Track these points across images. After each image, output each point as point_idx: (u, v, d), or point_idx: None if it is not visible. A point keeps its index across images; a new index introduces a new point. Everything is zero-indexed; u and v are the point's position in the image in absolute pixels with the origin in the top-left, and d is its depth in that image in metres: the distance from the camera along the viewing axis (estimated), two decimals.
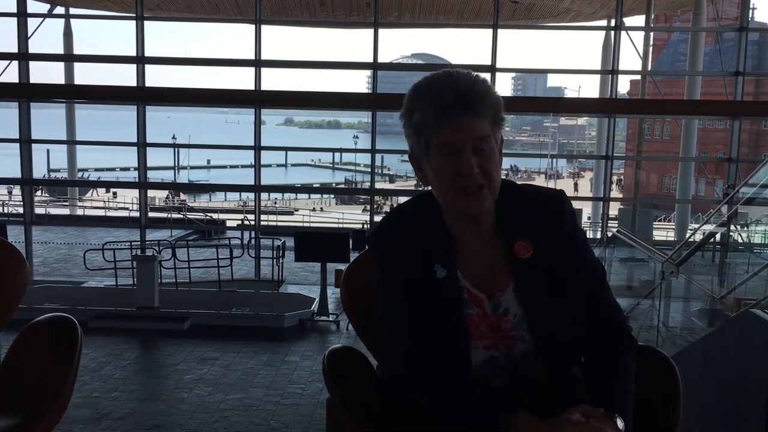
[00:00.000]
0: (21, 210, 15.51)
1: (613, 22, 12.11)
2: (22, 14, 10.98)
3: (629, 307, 6.24)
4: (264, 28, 11.24)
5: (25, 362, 1.97)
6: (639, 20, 13.96)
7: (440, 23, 15.79)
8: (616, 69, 11.40)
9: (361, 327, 1.76)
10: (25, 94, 9.90)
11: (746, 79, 11.74)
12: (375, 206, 13.76)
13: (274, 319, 6.67)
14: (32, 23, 11.37)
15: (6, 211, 22.72)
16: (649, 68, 14.56)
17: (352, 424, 1.51)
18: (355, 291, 1.78)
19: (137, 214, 13.89)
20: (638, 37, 12.51)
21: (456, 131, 1.34)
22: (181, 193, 30.93)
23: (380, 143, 12.01)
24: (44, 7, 13.57)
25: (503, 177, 1.44)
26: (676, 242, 11.48)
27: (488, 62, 10.72)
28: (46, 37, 14.01)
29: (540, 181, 45.22)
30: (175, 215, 19.57)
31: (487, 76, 1.41)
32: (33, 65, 11.15)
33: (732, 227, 7.07)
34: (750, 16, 12.56)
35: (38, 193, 27.44)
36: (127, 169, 40.84)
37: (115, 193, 30.43)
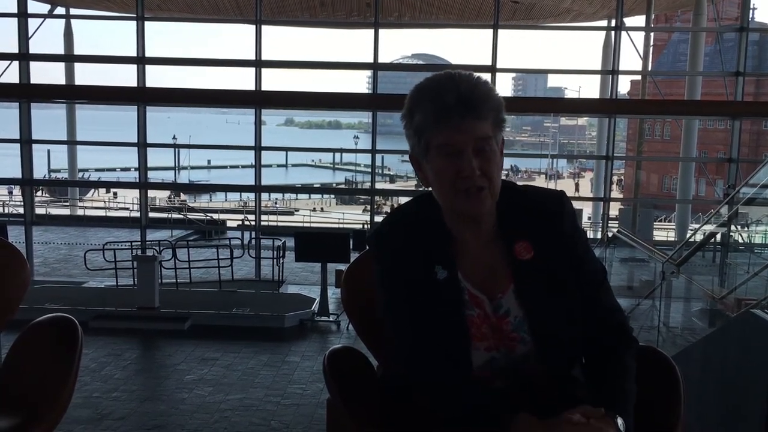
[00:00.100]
0: (21, 210, 15.52)
1: (613, 23, 12.10)
2: (22, 14, 10.98)
3: (630, 308, 6.23)
4: (264, 28, 11.24)
5: (25, 362, 1.97)
6: (639, 20, 13.96)
7: (441, 23, 15.78)
8: (617, 69, 11.40)
9: (362, 327, 1.76)
10: (25, 94, 9.90)
11: (746, 80, 11.74)
12: (375, 206, 13.75)
13: (275, 320, 6.67)
14: (33, 23, 11.39)
15: (6, 211, 22.72)
16: (650, 68, 14.55)
17: (353, 425, 1.51)
18: (355, 291, 1.78)
19: (138, 215, 13.90)
20: (638, 37, 12.51)
21: (457, 133, 1.34)
22: (181, 194, 30.92)
23: (381, 143, 12.00)
24: (45, 8, 13.58)
25: (503, 178, 1.44)
26: (677, 242, 11.48)
27: (488, 62, 10.72)
28: (47, 37, 14.02)
29: (540, 182, 45.23)
30: (175, 215, 19.58)
31: (487, 76, 1.41)
32: (33, 65, 11.16)
33: (732, 227, 7.06)
34: (750, 16, 12.55)
35: (39, 193, 27.45)
36: (127, 169, 40.87)
37: (115, 194, 30.43)
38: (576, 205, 1.83)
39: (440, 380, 1.37)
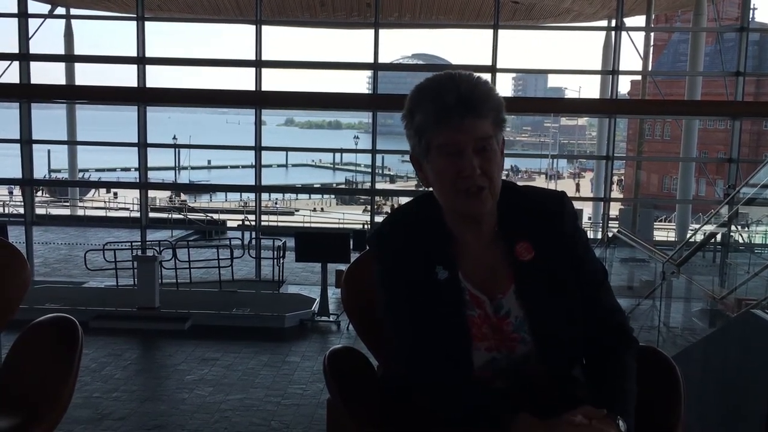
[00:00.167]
0: (22, 210, 15.54)
1: (613, 23, 12.11)
2: (22, 15, 10.99)
3: (630, 308, 6.23)
4: (264, 28, 11.25)
5: (25, 362, 1.97)
6: (639, 20, 13.96)
7: (441, 23, 15.78)
8: (617, 69, 11.40)
9: (362, 327, 1.76)
10: (25, 94, 9.89)
11: (747, 80, 11.74)
12: (375, 207, 13.75)
13: (275, 320, 6.67)
14: (33, 24, 11.40)
15: (7, 211, 22.72)
16: (650, 68, 14.55)
17: (353, 425, 1.51)
18: (355, 291, 1.78)
19: (138, 215, 13.90)
20: (639, 37, 12.51)
21: (457, 132, 1.34)
22: (181, 194, 30.93)
23: (381, 144, 12.00)
24: (45, 8, 13.59)
25: (504, 178, 1.44)
26: (677, 242, 11.48)
27: (489, 62, 10.72)
28: (47, 37, 14.02)
29: (540, 182, 45.24)
30: (175, 215, 19.58)
31: (487, 76, 1.41)
32: (34, 66, 11.16)
33: (733, 227, 7.06)
34: (750, 16, 12.56)
35: (39, 193, 27.44)
36: (127, 169, 40.88)
37: (115, 194, 30.43)
38: (576, 205, 1.83)
39: (441, 380, 1.37)
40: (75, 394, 1.95)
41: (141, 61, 10.86)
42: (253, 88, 10.69)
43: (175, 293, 8.03)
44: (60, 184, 27.13)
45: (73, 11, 14.71)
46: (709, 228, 7.09)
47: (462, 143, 1.34)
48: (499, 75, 10.84)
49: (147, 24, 11.20)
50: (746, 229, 8.01)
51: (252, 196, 16.51)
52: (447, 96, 1.33)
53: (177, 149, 36.48)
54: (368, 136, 14.98)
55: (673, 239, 14.98)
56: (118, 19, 15.26)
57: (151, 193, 22.88)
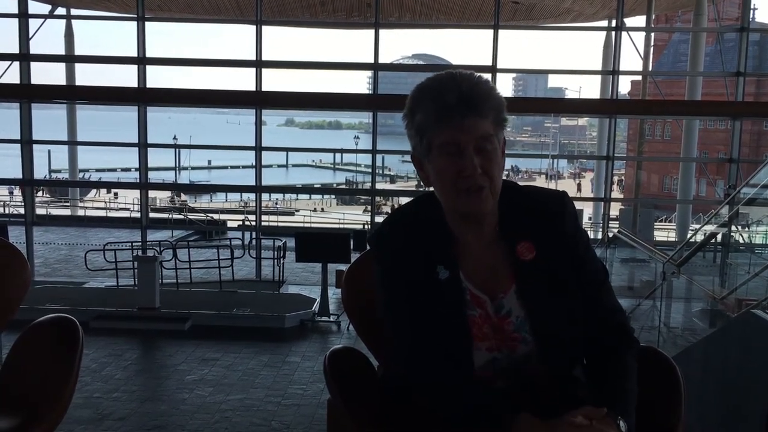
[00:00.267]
0: (22, 210, 15.54)
1: (614, 23, 12.11)
2: (23, 15, 10.99)
3: (630, 308, 6.23)
4: (265, 28, 11.25)
5: (26, 363, 1.97)
6: (640, 21, 13.96)
7: (441, 24, 15.78)
8: (617, 69, 11.40)
9: (362, 328, 1.76)
10: (26, 94, 9.90)
11: (747, 80, 11.74)
12: (375, 207, 13.75)
13: (275, 320, 6.68)
14: (33, 24, 11.40)
15: (7, 211, 22.73)
16: (650, 69, 14.55)
17: (353, 425, 1.51)
18: (356, 292, 1.78)
19: (138, 215, 13.90)
20: (639, 37, 12.51)
21: (458, 131, 1.34)
22: (182, 194, 30.93)
23: (381, 144, 12.01)
24: (45, 8, 13.59)
25: (504, 178, 1.43)
26: (677, 243, 11.48)
27: (489, 63, 10.72)
28: (47, 37, 14.03)
29: (541, 182, 45.24)
30: (176, 216, 19.58)
31: (487, 76, 1.41)
32: (34, 66, 11.17)
33: (733, 228, 7.06)
34: (751, 16, 12.56)
35: (39, 193, 27.44)
36: (128, 169, 40.86)
37: (116, 194, 30.43)
38: (577, 205, 1.83)
39: (441, 380, 1.37)
40: (75, 395, 1.95)
41: (141, 61, 10.86)
42: (254, 89, 10.69)
43: (175, 293, 8.03)
44: (60, 184, 27.14)
45: (74, 11, 14.72)
46: (710, 228, 7.10)
47: (463, 142, 1.34)
48: (499, 75, 10.85)
49: (147, 24, 11.20)
50: (746, 229, 8.01)
51: (252, 196, 16.50)
52: (448, 95, 1.33)
53: (177, 149, 36.48)
54: (368, 137, 14.99)
55: (673, 239, 14.98)
56: (119, 20, 15.26)
57: (152, 194, 22.87)
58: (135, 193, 20.07)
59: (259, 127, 11.06)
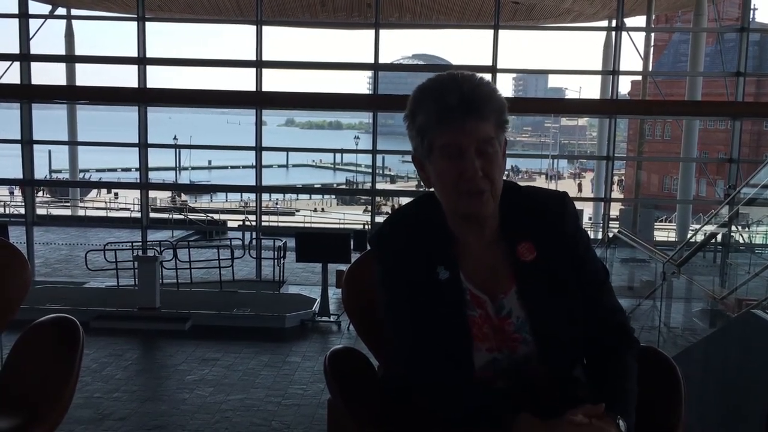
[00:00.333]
0: (23, 211, 15.53)
1: (614, 23, 12.10)
2: (23, 15, 10.99)
3: (630, 308, 6.23)
4: (265, 28, 11.25)
5: (26, 363, 1.97)
6: (640, 21, 13.95)
7: (441, 24, 15.77)
8: (617, 69, 11.40)
9: (362, 328, 1.76)
10: (26, 95, 9.91)
11: (747, 80, 11.74)
12: (376, 207, 13.75)
13: (276, 320, 6.68)
14: (34, 24, 11.39)
15: (8, 211, 22.73)
16: (650, 69, 14.55)
17: (354, 425, 1.51)
18: (356, 292, 1.78)
19: (138, 215, 13.90)
20: (639, 37, 12.50)
21: (459, 134, 1.33)
22: (182, 194, 30.95)
23: (381, 144, 12.01)
24: (45, 8, 13.59)
25: (504, 178, 1.43)
26: (677, 243, 11.48)
27: (489, 63, 10.72)
28: (48, 38, 14.02)
29: (541, 182, 45.23)
30: (176, 216, 19.58)
31: (488, 76, 1.41)
32: (34, 66, 11.16)
33: (733, 228, 7.07)
34: (751, 16, 12.56)
35: (40, 193, 27.44)
36: (128, 169, 40.88)
37: (116, 194, 30.43)
38: (577, 205, 1.83)
39: (441, 381, 1.37)
40: (76, 395, 1.95)
41: (141, 61, 10.86)
42: (254, 89, 10.69)
43: (175, 293, 8.03)
44: (61, 184, 27.14)
45: (74, 12, 14.71)
46: (710, 228, 7.10)
47: (464, 145, 1.34)
48: (499, 75, 10.85)
49: (147, 24, 11.20)
50: (747, 229, 8.01)
51: (252, 196, 16.51)
52: (449, 96, 1.33)
53: (177, 149, 36.47)
54: (369, 137, 14.99)
55: (673, 239, 14.98)
56: (119, 20, 15.25)
57: (152, 194, 22.87)
58: (135, 193, 20.06)
59: (259, 127, 11.06)
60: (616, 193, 34.51)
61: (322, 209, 34.23)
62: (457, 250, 1.43)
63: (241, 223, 18.53)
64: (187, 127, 50.77)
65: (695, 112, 11.08)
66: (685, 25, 28.36)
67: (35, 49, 11.23)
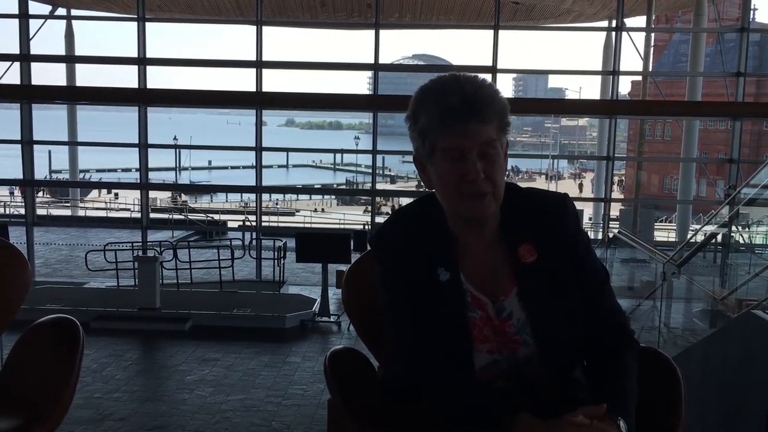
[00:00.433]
0: (23, 211, 15.53)
1: (614, 23, 12.10)
2: (23, 15, 10.99)
3: (630, 308, 6.23)
4: (265, 29, 11.25)
5: (27, 363, 1.97)
6: (640, 21, 13.96)
7: (441, 24, 15.77)
8: (617, 70, 11.39)
9: (363, 328, 1.76)
10: (26, 95, 9.91)
11: (747, 80, 11.74)
12: (376, 207, 13.75)
13: (276, 320, 6.68)
14: (34, 24, 11.39)
15: (8, 212, 22.73)
16: (650, 69, 14.55)
17: (354, 425, 1.51)
18: (356, 292, 1.78)
19: (139, 215, 13.91)
20: (639, 37, 12.50)
21: (462, 136, 1.33)
22: (182, 194, 30.96)
23: (381, 144, 12.00)
24: (45, 9, 13.59)
25: (505, 179, 1.43)
26: (678, 243, 11.48)
27: (489, 63, 10.72)
28: (48, 38, 14.02)
29: (541, 182, 45.23)
30: (176, 216, 19.58)
31: (488, 76, 1.41)
32: (34, 66, 11.16)
33: (733, 228, 7.07)
34: (751, 16, 12.56)
35: (40, 194, 27.45)
36: (128, 170, 40.88)
37: (116, 194, 30.44)
38: (577, 205, 1.84)
39: (441, 381, 1.37)
40: (76, 395, 1.95)
41: (142, 61, 10.86)
42: (254, 89, 10.69)
43: (175, 294, 8.03)
44: (61, 184, 27.13)
45: (74, 12, 14.71)
46: (710, 228, 7.10)
47: (466, 148, 1.33)
48: (499, 75, 10.84)
49: (147, 24, 11.20)
50: (747, 229, 8.01)
51: (253, 196, 16.50)
52: (451, 97, 1.33)
53: (178, 150, 36.48)
54: (369, 137, 14.99)
55: (673, 240, 14.98)
56: (119, 20, 15.24)
57: (152, 194, 22.89)
58: (135, 194, 20.06)
59: (259, 128, 11.06)
60: (616, 194, 34.51)
61: (323, 209, 34.22)
62: (457, 251, 1.43)
63: (241, 223, 18.54)
64: (187, 128, 50.79)
65: (695, 112, 11.09)
66: (685, 26, 28.37)
67: (35, 49, 11.23)
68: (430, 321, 1.39)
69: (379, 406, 1.53)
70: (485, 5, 13.22)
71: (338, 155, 61.16)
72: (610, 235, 8.97)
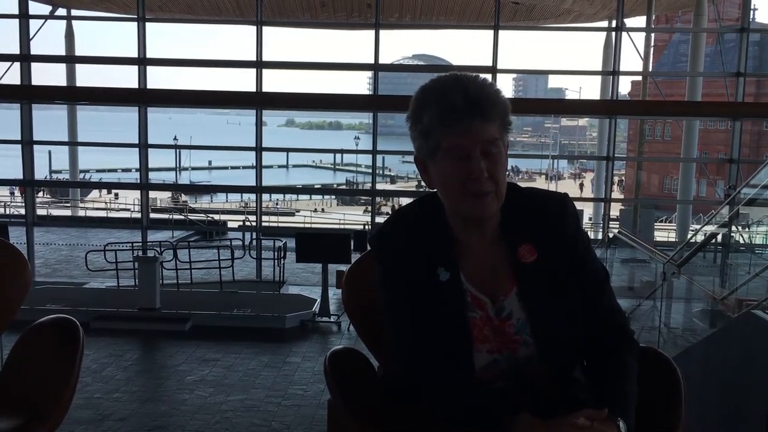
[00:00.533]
0: (23, 211, 15.53)
1: (614, 23, 12.11)
2: (23, 16, 11.00)
3: (630, 308, 6.23)
4: (265, 29, 11.26)
5: (27, 363, 1.97)
6: (640, 21, 13.97)
7: (441, 24, 15.78)
8: (617, 70, 11.40)
9: (363, 328, 1.76)
10: (26, 95, 9.90)
11: (747, 80, 11.75)
12: (376, 207, 13.75)
13: (276, 320, 6.67)
14: (34, 25, 11.40)
15: (8, 212, 22.73)
16: (650, 69, 14.55)
17: (354, 425, 1.51)
18: (356, 292, 1.78)
19: (139, 215, 13.91)
20: (639, 37, 12.51)
21: (465, 135, 1.33)
22: (182, 194, 30.97)
23: (381, 144, 12.01)
24: (46, 9, 13.60)
25: None
26: (678, 243, 11.48)
27: (489, 63, 10.73)
28: (48, 38, 14.02)
29: (541, 182, 45.23)
30: (176, 216, 19.59)
31: (488, 77, 1.41)
32: (35, 66, 11.17)
33: (733, 228, 7.07)
34: (751, 17, 12.57)
35: (40, 194, 27.45)
36: (128, 170, 40.88)
37: (116, 195, 30.44)
38: (577, 205, 1.84)
39: (441, 381, 1.37)
40: (76, 395, 1.95)
41: (142, 62, 10.86)
42: (254, 89, 10.69)
43: (175, 294, 8.03)
44: (61, 184, 27.14)
45: (74, 12, 14.72)
46: (710, 228, 7.10)
47: (470, 146, 1.34)
48: (499, 76, 10.86)
49: (147, 25, 11.21)
50: (747, 229, 8.02)
51: (253, 196, 16.52)
52: (454, 97, 1.33)
53: (178, 150, 36.48)
54: (369, 137, 15.00)
55: (673, 240, 14.98)
56: (119, 20, 15.25)
57: (152, 194, 22.88)
58: (135, 194, 20.07)
59: (259, 128, 11.06)
60: (616, 194, 34.50)
61: (323, 210, 34.22)
62: (457, 251, 1.43)
63: (241, 223, 18.54)
64: (187, 128, 50.78)
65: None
66: (685, 26, 28.37)
67: (35, 49, 11.25)
68: (430, 321, 1.39)
69: (379, 406, 1.53)
70: (485, 5, 13.23)
71: (338, 155, 61.18)
72: (610, 235, 8.98)
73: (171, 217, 19.35)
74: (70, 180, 18.02)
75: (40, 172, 21.09)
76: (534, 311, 1.41)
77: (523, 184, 1.55)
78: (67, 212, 22.50)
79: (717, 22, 14.55)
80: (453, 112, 1.33)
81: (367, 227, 13.97)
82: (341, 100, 8.32)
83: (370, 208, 13.89)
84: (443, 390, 1.37)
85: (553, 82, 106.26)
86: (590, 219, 16.83)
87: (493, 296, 1.42)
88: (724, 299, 6.17)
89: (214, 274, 9.77)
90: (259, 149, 11.10)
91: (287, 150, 39.70)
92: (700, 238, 6.82)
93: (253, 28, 11.03)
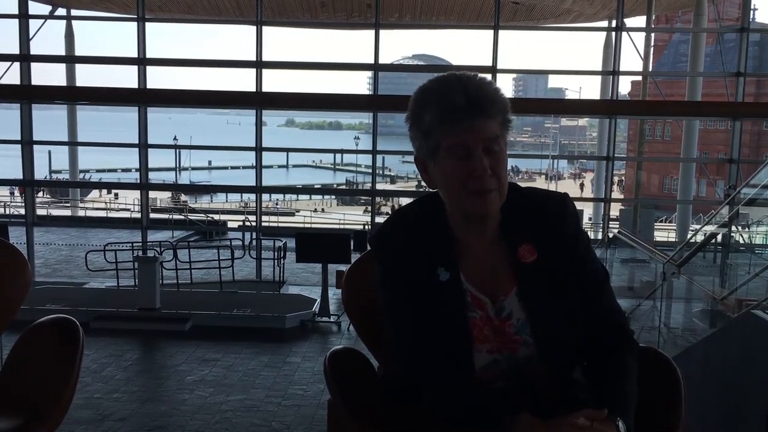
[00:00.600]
0: (23, 211, 15.53)
1: (614, 23, 12.11)
2: (23, 16, 11.00)
3: (630, 308, 6.23)
4: (265, 29, 11.26)
5: (27, 363, 1.97)
6: (640, 21, 13.96)
7: (441, 24, 15.78)
8: (617, 70, 11.40)
9: (362, 328, 1.76)
10: (26, 95, 9.90)
11: (747, 80, 11.75)
12: (376, 207, 13.75)
13: (276, 320, 6.67)
14: (34, 25, 11.40)
15: (8, 212, 22.73)
16: (650, 69, 14.55)
17: (354, 425, 1.51)
18: (356, 292, 1.78)
19: (139, 215, 13.91)
20: (639, 37, 12.51)
21: (467, 133, 1.33)
22: (182, 194, 30.97)
23: (381, 144, 12.01)
24: (45, 9, 13.60)
25: None
26: (678, 243, 11.48)
27: (489, 63, 10.73)
28: (48, 38, 14.02)
29: (541, 182, 45.23)
30: (176, 216, 19.59)
31: (488, 77, 1.41)
32: (34, 66, 11.17)
33: (733, 228, 7.07)
34: (751, 16, 12.57)
35: (40, 194, 27.44)
36: (128, 170, 40.88)
37: (116, 194, 30.44)
38: (577, 205, 1.84)
39: (441, 381, 1.37)
40: (76, 395, 1.95)
41: (141, 62, 10.86)
42: (254, 89, 10.69)
43: (175, 294, 8.03)
44: (61, 184, 27.14)
45: (74, 12, 14.72)
46: (710, 228, 7.10)
47: (472, 144, 1.34)
48: (499, 75, 10.86)
49: (147, 25, 11.21)
50: (747, 229, 8.02)
51: (253, 196, 16.51)
52: (454, 95, 1.33)
53: (177, 150, 36.48)
54: (369, 137, 14.99)
55: (673, 240, 14.98)
56: (119, 20, 15.25)
57: (152, 194, 22.89)
58: (135, 194, 20.08)
59: (259, 128, 11.06)
60: (616, 194, 34.50)
61: (322, 210, 34.22)
62: (457, 251, 1.43)
63: (241, 223, 18.54)
64: (187, 128, 50.80)
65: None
66: (685, 25, 28.37)
67: (35, 49, 11.25)
68: (430, 321, 1.39)
69: (379, 406, 1.53)
70: (485, 5, 13.23)
71: (338, 155, 61.18)
72: (610, 235, 8.98)
73: (171, 217, 19.36)
74: (70, 180, 18.01)
75: (40, 172, 21.09)
76: (534, 311, 1.41)
77: (523, 184, 1.55)
78: (67, 212, 22.51)
79: (717, 22, 14.55)
80: (453, 112, 1.33)
81: (367, 227, 13.97)
82: (341, 100, 8.32)
83: (370, 208, 13.89)
84: (443, 390, 1.37)
85: (553, 82, 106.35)
86: (590, 219, 16.83)
87: (493, 296, 1.42)
88: (724, 299, 6.17)
89: (214, 274, 9.77)
90: (259, 149, 11.10)
91: (287, 150, 39.74)
92: (700, 238, 6.82)
93: (253, 28, 11.03)
